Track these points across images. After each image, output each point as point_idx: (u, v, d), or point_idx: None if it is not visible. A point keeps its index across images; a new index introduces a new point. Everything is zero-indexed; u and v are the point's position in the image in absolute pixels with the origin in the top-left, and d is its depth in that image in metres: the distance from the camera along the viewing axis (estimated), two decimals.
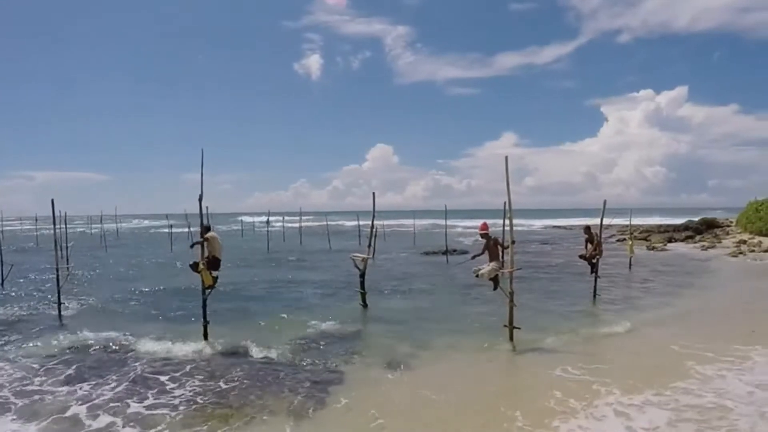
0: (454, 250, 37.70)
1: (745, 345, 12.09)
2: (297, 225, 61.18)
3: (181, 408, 8.95)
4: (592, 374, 10.27)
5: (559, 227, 79.67)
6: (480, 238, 14.50)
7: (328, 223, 56.75)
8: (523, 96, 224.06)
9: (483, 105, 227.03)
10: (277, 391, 9.69)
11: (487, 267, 13.97)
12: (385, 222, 60.37)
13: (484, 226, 14.35)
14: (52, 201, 17.41)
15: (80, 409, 8.94)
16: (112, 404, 9.14)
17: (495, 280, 14.16)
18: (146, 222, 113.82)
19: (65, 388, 9.98)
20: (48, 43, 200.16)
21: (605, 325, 14.87)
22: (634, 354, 11.92)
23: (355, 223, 56.29)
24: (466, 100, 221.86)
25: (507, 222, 14.82)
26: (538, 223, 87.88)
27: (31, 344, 13.37)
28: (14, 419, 8.61)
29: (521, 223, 73.01)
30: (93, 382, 10.27)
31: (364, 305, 17.46)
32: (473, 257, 14.99)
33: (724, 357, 11.21)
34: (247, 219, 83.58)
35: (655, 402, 8.71)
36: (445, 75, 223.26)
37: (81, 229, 72.68)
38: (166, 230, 53.32)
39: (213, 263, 13.48)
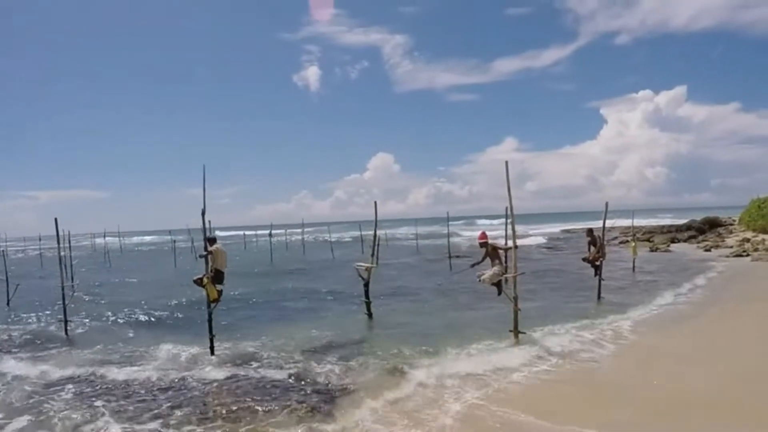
0: (457, 256, 37.84)
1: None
2: (300, 236, 61.38)
3: (189, 422, 8.96)
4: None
5: (567, 231, 78.98)
6: (480, 247, 14.52)
7: (331, 234, 56.82)
8: (523, 100, 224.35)
9: (483, 110, 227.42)
10: (285, 403, 9.67)
11: (489, 272, 14.02)
12: (388, 231, 60.49)
13: (483, 236, 14.42)
14: (56, 220, 17.52)
15: (85, 424, 9.00)
16: (117, 420, 9.16)
17: (498, 285, 14.19)
18: (149, 238, 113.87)
19: (70, 404, 10.01)
20: (47, 62, 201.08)
21: (607, 330, 14.71)
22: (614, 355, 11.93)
23: (356, 233, 56.33)
24: (465, 106, 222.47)
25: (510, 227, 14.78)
26: (542, 230, 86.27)
27: (38, 360, 13.40)
28: None
29: (524, 231, 72.18)
30: (99, 398, 10.30)
31: (369, 314, 17.47)
32: (472, 266, 15.00)
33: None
34: (248, 233, 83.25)
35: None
36: (444, 82, 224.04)
37: (85, 248, 72.70)
38: (170, 246, 53.46)
39: (216, 276, 13.53)
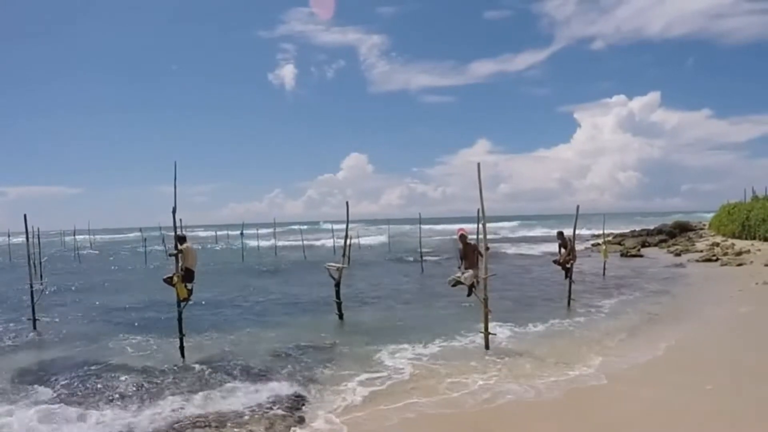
0: (428, 259, 38.18)
1: None
2: (272, 236, 60.75)
3: (155, 422, 8.88)
4: None
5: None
6: (459, 241, 14.58)
7: (303, 235, 56.45)
8: (497, 103, 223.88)
9: (457, 112, 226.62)
10: (256, 407, 9.56)
11: (465, 275, 14.11)
12: (360, 232, 60.35)
13: (463, 230, 14.57)
14: (25, 216, 17.28)
15: (50, 423, 8.88)
16: (83, 420, 9.05)
17: (470, 286, 14.28)
18: (120, 236, 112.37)
19: (37, 409, 9.73)
20: (18, 55, 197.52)
21: (575, 330, 15.07)
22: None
23: (328, 235, 56.11)
24: (440, 108, 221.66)
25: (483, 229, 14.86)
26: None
27: (3, 363, 13.16)
28: None
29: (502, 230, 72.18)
30: (65, 404, 10.04)
31: (340, 315, 17.42)
32: (459, 267, 14.83)
33: None
34: (220, 233, 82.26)
35: None
36: (419, 83, 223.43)
37: (55, 245, 71.56)
38: (140, 243, 52.92)
39: (187, 275, 13.43)
